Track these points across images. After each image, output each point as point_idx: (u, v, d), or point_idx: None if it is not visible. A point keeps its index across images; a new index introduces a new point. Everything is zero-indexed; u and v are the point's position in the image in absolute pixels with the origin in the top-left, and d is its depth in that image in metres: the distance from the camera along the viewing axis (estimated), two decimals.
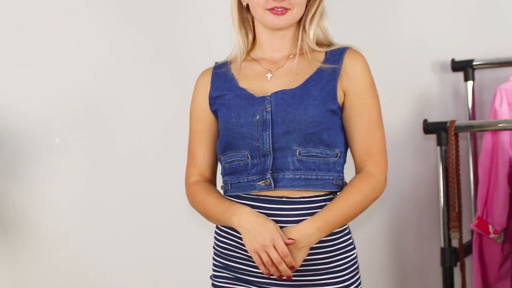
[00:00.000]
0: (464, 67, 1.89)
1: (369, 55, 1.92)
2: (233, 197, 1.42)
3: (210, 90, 1.46)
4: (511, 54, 1.87)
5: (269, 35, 1.45)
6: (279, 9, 1.36)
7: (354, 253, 1.43)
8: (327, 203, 1.35)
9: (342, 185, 1.39)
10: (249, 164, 1.36)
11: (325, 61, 1.38)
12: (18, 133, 2.13)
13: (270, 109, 1.36)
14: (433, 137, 1.89)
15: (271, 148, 1.35)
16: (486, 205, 1.78)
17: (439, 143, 1.76)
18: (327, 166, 1.36)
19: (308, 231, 1.32)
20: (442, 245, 1.77)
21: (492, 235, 1.77)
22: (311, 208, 1.35)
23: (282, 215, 1.35)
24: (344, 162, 1.40)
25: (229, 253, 1.40)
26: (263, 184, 1.35)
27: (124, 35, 2.12)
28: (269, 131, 1.36)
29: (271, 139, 1.35)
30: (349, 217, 1.36)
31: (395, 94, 1.99)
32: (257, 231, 1.36)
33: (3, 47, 2.11)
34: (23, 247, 2.15)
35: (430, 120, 1.81)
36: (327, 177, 1.35)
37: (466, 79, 1.90)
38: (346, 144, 1.40)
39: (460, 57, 1.92)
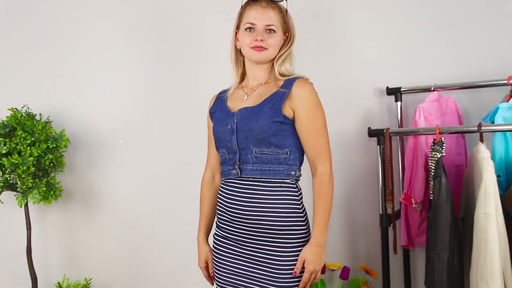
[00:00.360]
0: (395, 92, 1.89)
1: (331, 83, 2.00)
2: (224, 179, 1.44)
3: (211, 108, 1.49)
4: (426, 83, 1.86)
5: (252, 68, 1.45)
6: (259, 48, 1.37)
7: (302, 225, 1.37)
8: (282, 185, 1.35)
9: (294, 175, 1.38)
10: (227, 159, 1.37)
11: (281, 87, 1.37)
12: (96, 136, 2.20)
13: (236, 121, 1.35)
14: (374, 139, 1.89)
15: (237, 147, 1.33)
16: (410, 185, 1.79)
17: (379, 143, 1.76)
18: (278, 161, 1.35)
19: (318, 240, 1.32)
20: (381, 212, 1.78)
21: (414, 205, 1.77)
22: (269, 187, 1.35)
23: (251, 190, 1.36)
24: (296, 157, 1.38)
25: (220, 217, 1.44)
26: (235, 172, 1.34)
27: (163, 70, 2.16)
28: (235, 136, 1.37)
29: (237, 141, 1.36)
30: (329, 210, 1.35)
31: (349, 110, 2.00)
32: (199, 255, 1.52)
33: (92, 82, 2.20)
34: (98, 213, 2.23)
35: (373, 127, 1.81)
36: (278, 169, 1.35)
37: (396, 100, 1.90)
38: (297, 145, 1.38)
39: (392, 85, 1.92)
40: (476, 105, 1.86)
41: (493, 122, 1.62)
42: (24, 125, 1.99)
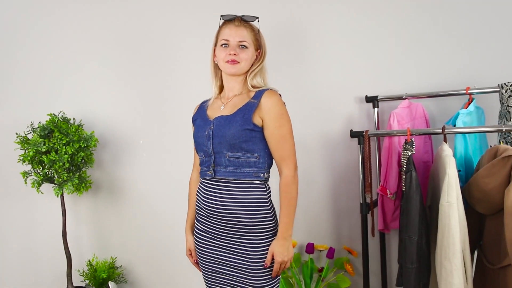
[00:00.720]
0: (373, 100, 1.89)
1: (319, 93, 2.00)
2: (201, 179, 1.38)
3: (193, 116, 1.44)
4: (398, 93, 1.87)
5: (228, 80, 1.39)
6: (232, 62, 1.32)
7: (268, 218, 1.31)
8: (251, 185, 1.30)
9: (262, 177, 1.31)
10: (204, 161, 1.32)
11: (252, 98, 1.32)
12: (120, 137, 2.20)
13: (212, 127, 1.30)
14: (355, 140, 1.91)
15: (212, 151, 1.28)
16: (385, 178, 1.79)
17: (359, 143, 1.75)
18: (248, 164, 1.30)
19: (283, 234, 1.28)
20: (361, 201, 1.76)
21: (389, 196, 1.77)
22: (238, 187, 1.30)
23: (224, 189, 1.31)
24: (265, 161, 1.32)
25: (198, 212, 1.39)
26: (210, 173, 1.29)
27: (175, 84, 2.14)
28: (211, 141, 1.31)
29: (212, 146, 1.31)
30: (293, 208, 1.28)
31: (334, 115, 2.00)
32: (186, 245, 1.47)
33: (117, 91, 2.18)
34: (122, 202, 2.22)
35: (354, 130, 1.81)
36: (248, 171, 1.30)
37: (374, 107, 1.90)
38: (266, 150, 1.32)
39: (370, 94, 1.92)
40: (441, 111, 1.88)
41: (454, 125, 1.63)
42: (60, 128, 1.99)
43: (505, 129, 1.44)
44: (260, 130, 1.30)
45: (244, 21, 1.36)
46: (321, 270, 1.97)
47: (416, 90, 1.88)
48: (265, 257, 1.31)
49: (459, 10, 1.87)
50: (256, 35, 1.38)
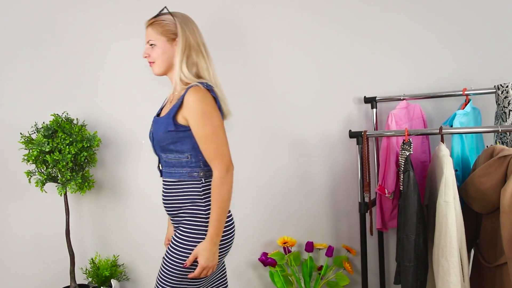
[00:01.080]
0: (371, 101, 1.90)
1: (319, 94, 1.98)
2: None
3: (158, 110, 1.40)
4: (396, 94, 1.88)
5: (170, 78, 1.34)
6: (150, 63, 1.29)
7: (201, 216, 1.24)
8: (188, 185, 1.25)
9: (197, 176, 1.25)
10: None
11: (180, 97, 1.23)
12: (123, 137, 2.19)
13: (152, 129, 1.27)
14: (354, 140, 1.92)
15: (155, 152, 1.27)
16: (383, 177, 1.79)
17: (358, 143, 1.75)
18: (180, 164, 1.24)
19: (212, 239, 1.20)
20: (360, 200, 1.76)
21: (387, 195, 1.76)
22: (176, 188, 1.26)
23: (165, 189, 1.29)
24: (199, 160, 1.24)
25: None
26: (159, 172, 1.33)
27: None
28: (152, 142, 1.30)
29: (154, 147, 1.30)
30: (221, 211, 1.19)
31: (334, 115, 1.99)
32: (166, 234, 1.48)
33: (119, 92, 2.17)
34: (125, 201, 2.21)
35: (353, 130, 1.81)
36: (181, 171, 1.25)
37: (372, 107, 1.90)
38: (198, 148, 1.23)
39: (369, 95, 1.92)
40: (438, 112, 1.88)
41: (451, 126, 1.63)
42: (64, 128, 1.99)
43: (501, 130, 1.44)
44: (188, 129, 1.22)
45: (149, 21, 1.31)
46: (320, 268, 1.97)
47: (414, 91, 1.88)
48: (183, 253, 1.22)
49: (456, 12, 1.87)
50: (164, 26, 1.27)
